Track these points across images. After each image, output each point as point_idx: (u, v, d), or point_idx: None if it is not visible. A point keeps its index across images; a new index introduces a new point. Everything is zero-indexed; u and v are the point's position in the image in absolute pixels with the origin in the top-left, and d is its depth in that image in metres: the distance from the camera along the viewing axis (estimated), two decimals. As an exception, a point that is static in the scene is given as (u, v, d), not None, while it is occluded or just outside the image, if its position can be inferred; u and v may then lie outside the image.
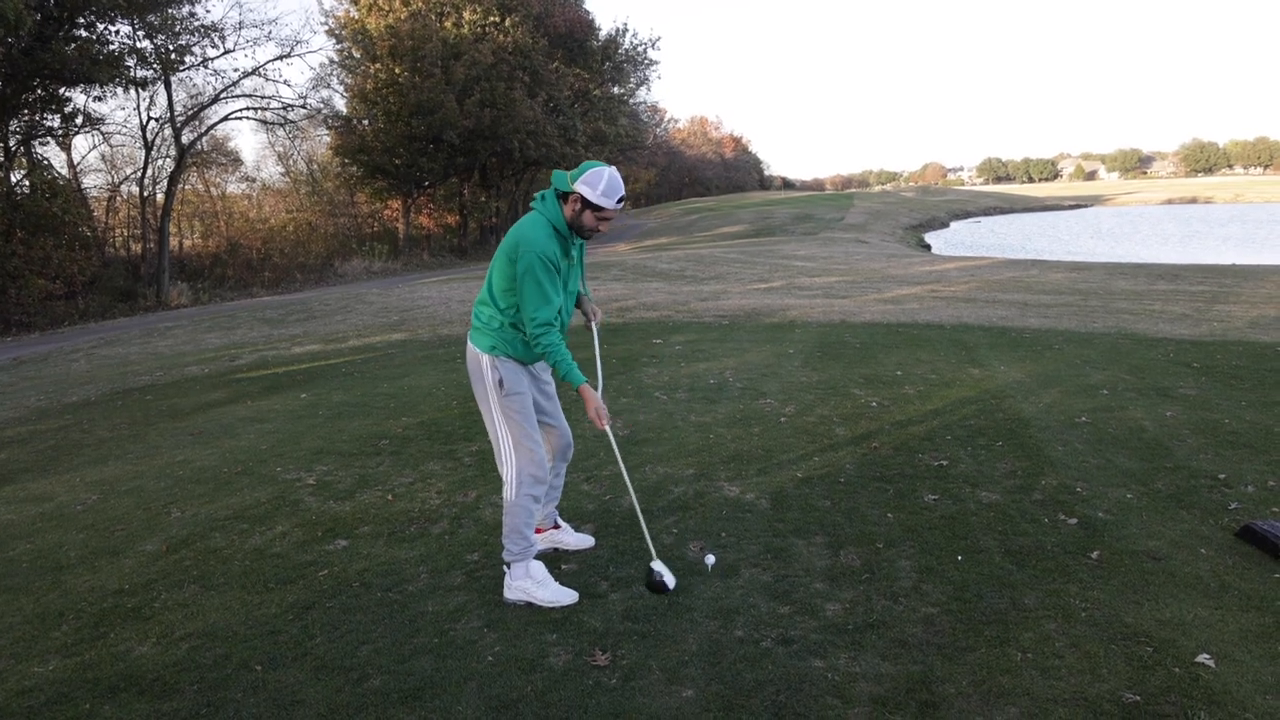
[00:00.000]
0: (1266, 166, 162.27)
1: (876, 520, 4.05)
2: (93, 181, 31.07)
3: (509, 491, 3.40)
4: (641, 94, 61.18)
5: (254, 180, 37.60)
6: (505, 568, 3.47)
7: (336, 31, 34.32)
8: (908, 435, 5.41)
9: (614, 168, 3.29)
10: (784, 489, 4.52)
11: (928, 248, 38.01)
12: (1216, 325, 9.27)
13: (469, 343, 3.51)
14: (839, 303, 12.40)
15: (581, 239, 3.44)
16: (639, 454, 5.30)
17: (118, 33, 22.66)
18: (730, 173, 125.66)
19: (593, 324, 3.87)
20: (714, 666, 2.88)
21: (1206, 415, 5.58)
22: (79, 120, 23.67)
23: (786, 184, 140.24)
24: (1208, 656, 2.80)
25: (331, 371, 9.18)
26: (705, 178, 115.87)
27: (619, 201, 3.28)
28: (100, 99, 23.69)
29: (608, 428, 3.37)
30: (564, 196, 3.36)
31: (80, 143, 39.37)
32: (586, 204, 3.29)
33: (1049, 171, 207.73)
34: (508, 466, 3.41)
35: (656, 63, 54.11)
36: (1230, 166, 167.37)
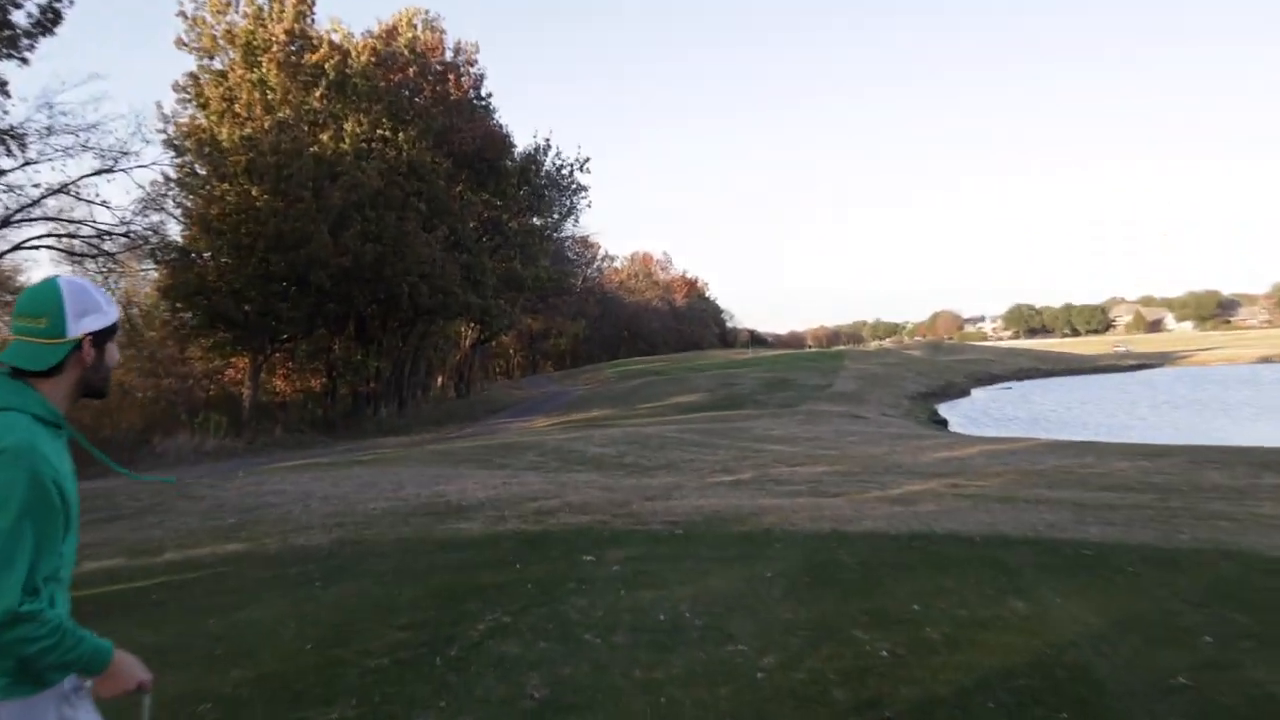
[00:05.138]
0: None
1: (900, 836, 3.79)
2: None
3: None
4: (568, 226, 62.98)
5: (50, 328, 37.31)
6: None
7: (177, 142, 35.09)
8: (932, 701, 5.20)
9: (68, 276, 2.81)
10: (768, 786, 4.25)
11: (943, 424, 38.70)
12: (1329, 537, 9.37)
13: None
14: (830, 503, 12.35)
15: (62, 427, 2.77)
16: (563, 731, 4.99)
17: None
18: (682, 324, 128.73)
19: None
20: None
21: (1331, 670, 5.48)
22: None
23: (755, 339, 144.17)
24: None
25: (137, 599, 8.70)
26: (650, 330, 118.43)
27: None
28: None
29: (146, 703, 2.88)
30: (43, 372, 2.69)
31: None
32: (103, 336, 2.76)
33: (1098, 321, 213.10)
34: None
35: (586, 189, 56.13)
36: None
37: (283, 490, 16.40)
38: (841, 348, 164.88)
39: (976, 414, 45.43)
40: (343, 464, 21.36)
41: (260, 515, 13.59)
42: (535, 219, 54.54)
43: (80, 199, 34.23)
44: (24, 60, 24.92)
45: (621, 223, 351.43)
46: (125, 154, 30.76)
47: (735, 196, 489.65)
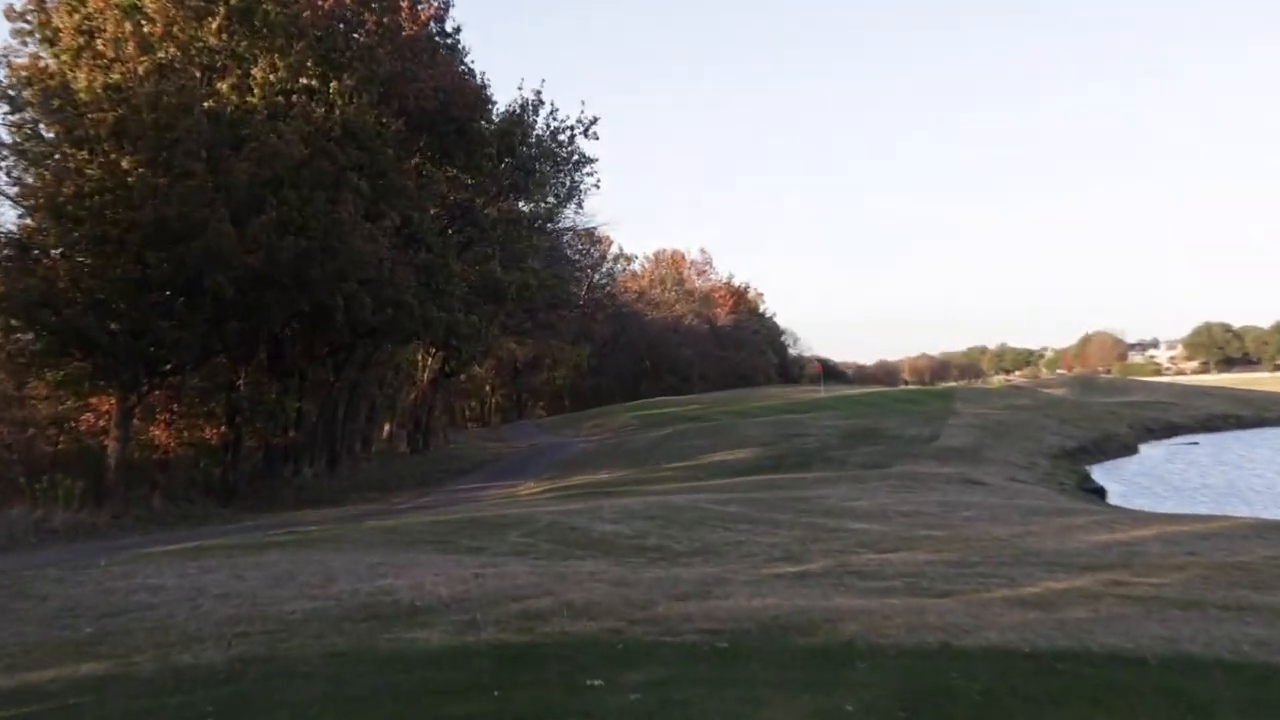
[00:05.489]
0: None
1: None
2: None
3: None
4: (568, 214, 62.94)
5: None
6: None
7: (13, 91, 35.02)
8: None
9: None
10: None
11: (1099, 493, 38.40)
12: None
13: None
14: (936, 605, 12.27)
15: None
16: None
17: None
18: (727, 350, 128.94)
19: None
20: None
21: None
22: None
23: (830, 372, 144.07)
24: None
25: (-50, 742, 8.70)
26: (681, 359, 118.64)
27: None
28: None
29: None
30: None
31: None
32: None
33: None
34: None
35: (593, 161, 56.06)
36: None
37: (162, 585, 16.40)
38: (952, 384, 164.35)
39: (1147, 480, 45.04)
40: (249, 546, 21.35)
41: (129, 622, 13.59)
42: (522, 203, 54.57)
43: None
44: None
45: (642, 210, 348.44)
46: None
47: (800, 178, 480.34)
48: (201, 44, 37.26)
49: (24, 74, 35.04)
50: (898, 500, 27.27)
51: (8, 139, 35.13)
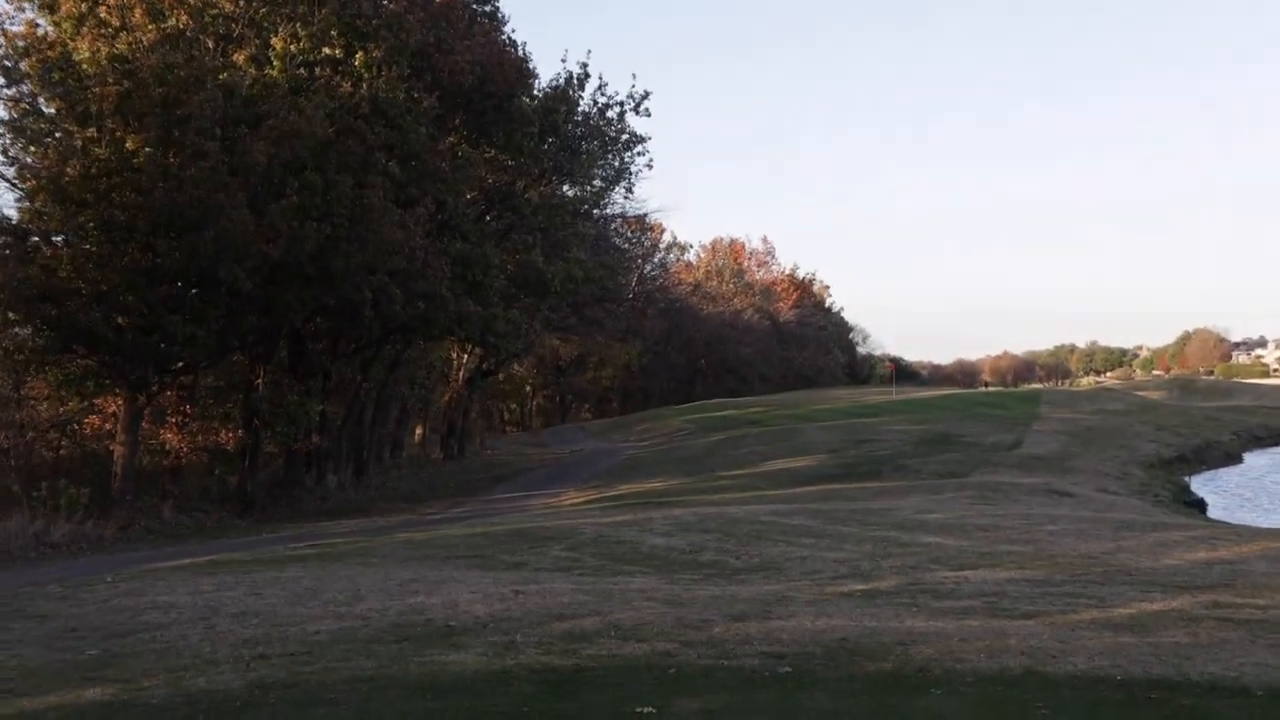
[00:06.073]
0: None
1: None
2: None
3: None
4: (616, 199, 62.55)
5: None
6: None
7: (10, 63, 35.03)
8: None
9: None
10: None
11: (1199, 506, 38.08)
12: None
13: None
14: (1018, 628, 12.24)
15: None
16: None
17: None
18: (790, 349, 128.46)
19: None
20: None
21: None
22: None
23: (902, 372, 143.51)
24: None
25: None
26: (740, 358, 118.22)
27: None
28: None
29: None
30: None
31: None
32: None
33: None
34: None
35: (644, 140, 55.62)
36: None
37: (173, 603, 16.50)
38: (1037, 386, 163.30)
39: (1252, 491, 44.62)
40: (268, 561, 21.46)
41: (138, 643, 13.69)
42: (566, 187, 54.20)
43: None
44: None
45: (698, 195, 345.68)
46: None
47: (873, 161, 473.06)
48: (215, 10, 36.83)
49: (20, 43, 34.45)
50: (976, 513, 27.14)
51: (4, 115, 35.08)
